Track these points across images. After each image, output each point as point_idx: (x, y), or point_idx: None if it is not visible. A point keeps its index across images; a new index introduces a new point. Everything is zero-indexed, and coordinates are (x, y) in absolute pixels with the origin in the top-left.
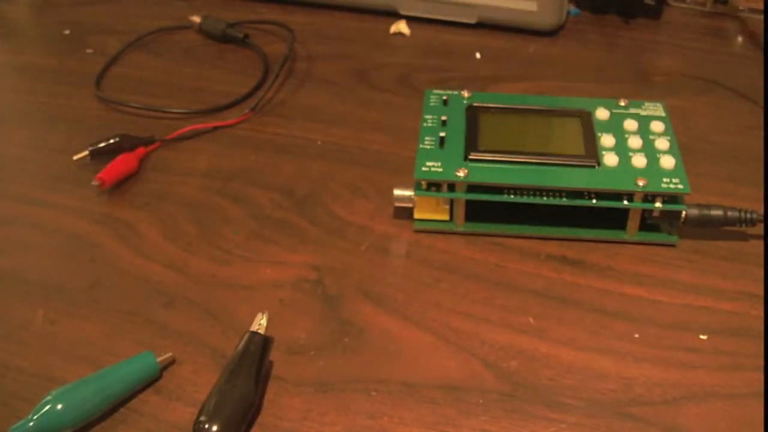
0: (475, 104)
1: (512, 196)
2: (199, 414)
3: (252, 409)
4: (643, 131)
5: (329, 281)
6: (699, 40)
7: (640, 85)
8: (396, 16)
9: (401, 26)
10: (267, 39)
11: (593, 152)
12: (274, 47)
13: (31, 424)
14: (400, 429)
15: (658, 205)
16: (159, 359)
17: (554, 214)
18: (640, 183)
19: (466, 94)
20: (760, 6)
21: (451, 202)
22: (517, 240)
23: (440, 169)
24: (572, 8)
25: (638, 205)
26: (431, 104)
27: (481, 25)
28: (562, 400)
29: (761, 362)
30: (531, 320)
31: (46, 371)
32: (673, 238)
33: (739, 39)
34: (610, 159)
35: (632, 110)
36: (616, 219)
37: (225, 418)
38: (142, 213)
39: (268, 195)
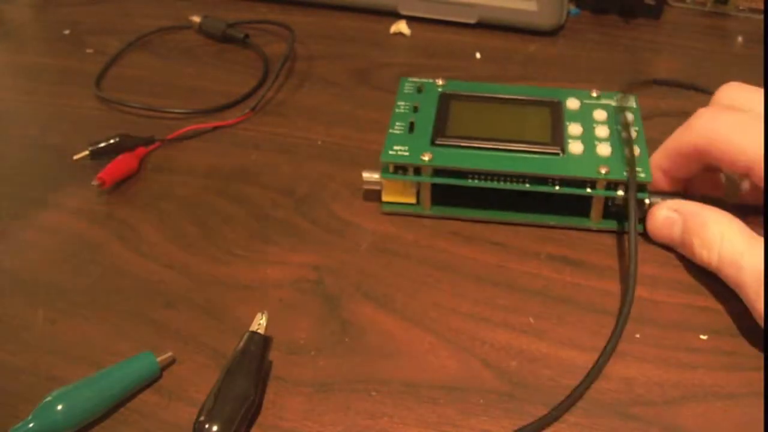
0: (448, 92)
1: (476, 181)
2: (199, 414)
3: (252, 409)
4: (612, 121)
5: (329, 281)
6: (699, 40)
7: (639, 85)
8: (396, 16)
9: (401, 26)
10: (267, 39)
11: (559, 140)
12: (274, 47)
13: (31, 425)
14: (401, 429)
15: (620, 193)
16: (159, 359)
17: (521, 201)
18: (603, 171)
19: (440, 82)
20: (760, 6)
21: (418, 186)
22: (517, 240)
23: (407, 153)
24: (572, 8)
25: (601, 192)
26: (405, 91)
27: (481, 25)
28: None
29: (761, 362)
30: (531, 320)
31: (46, 371)
32: (639, 227)
33: (739, 39)
34: (576, 147)
35: (603, 101)
36: (582, 207)
37: (225, 417)
38: (142, 213)
39: (268, 195)
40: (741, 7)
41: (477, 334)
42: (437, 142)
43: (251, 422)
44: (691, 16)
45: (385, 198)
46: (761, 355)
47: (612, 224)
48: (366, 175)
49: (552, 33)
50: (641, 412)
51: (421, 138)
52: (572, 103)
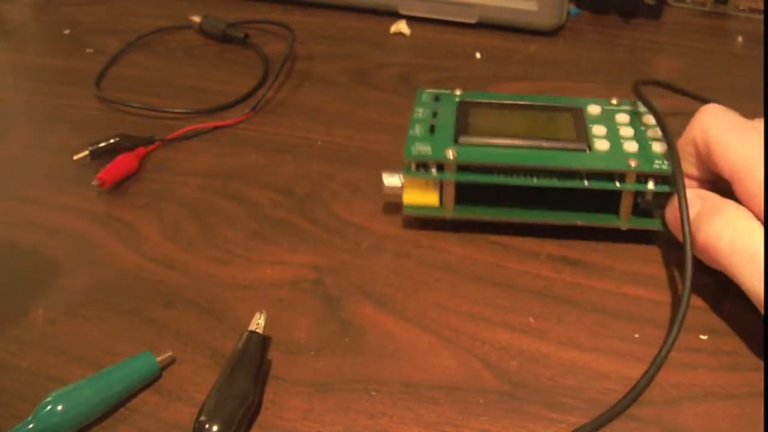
0: (466, 100)
1: (503, 177)
2: (199, 414)
3: (252, 409)
4: (635, 123)
5: (329, 281)
6: (699, 40)
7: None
8: (396, 16)
9: (401, 26)
10: (267, 39)
11: (585, 138)
12: (274, 47)
13: (31, 426)
14: (400, 429)
15: (650, 186)
16: (159, 359)
17: (545, 202)
18: (632, 164)
19: (458, 92)
20: (760, 6)
21: (441, 186)
22: (517, 240)
23: (430, 152)
24: (572, 8)
25: (631, 186)
26: (423, 100)
27: (481, 25)
28: (563, 400)
29: (761, 362)
30: (531, 320)
31: (46, 371)
32: (659, 223)
33: (739, 39)
34: (602, 144)
35: (624, 107)
36: (607, 206)
37: (225, 417)
38: (142, 213)
39: (268, 195)
40: (741, 7)
41: (477, 334)
42: (460, 141)
43: (251, 422)
44: (691, 16)
45: (406, 200)
46: (761, 355)
47: (641, 222)
48: (387, 177)
49: (552, 33)
50: (641, 412)
51: (443, 138)
52: (593, 109)
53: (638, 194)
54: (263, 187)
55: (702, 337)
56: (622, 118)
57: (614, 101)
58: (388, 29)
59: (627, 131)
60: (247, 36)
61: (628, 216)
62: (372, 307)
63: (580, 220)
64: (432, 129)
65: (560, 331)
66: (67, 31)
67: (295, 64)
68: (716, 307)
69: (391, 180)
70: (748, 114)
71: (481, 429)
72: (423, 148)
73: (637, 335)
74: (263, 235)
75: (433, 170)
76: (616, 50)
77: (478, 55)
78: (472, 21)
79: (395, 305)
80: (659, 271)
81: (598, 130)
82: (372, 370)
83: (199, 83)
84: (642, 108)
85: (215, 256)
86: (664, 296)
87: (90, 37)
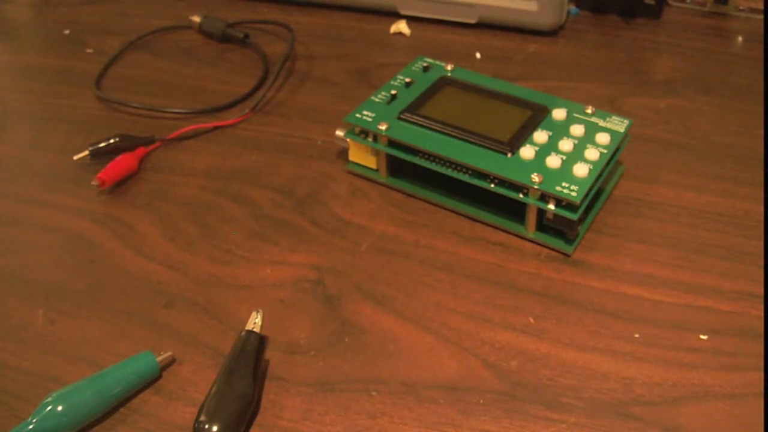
0: (449, 76)
1: (424, 161)
2: (199, 414)
3: (251, 408)
4: (583, 139)
5: (329, 281)
6: (699, 40)
7: (640, 85)
8: (396, 16)
9: (401, 26)
10: (267, 39)
11: (516, 142)
12: (274, 47)
13: (31, 426)
14: (400, 429)
15: (550, 206)
16: (159, 359)
17: (472, 194)
18: (536, 179)
19: (449, 67)
20: (760, 6)
21: (378, 153)
22: (517, 240)
23: (369, 120)
24: (572, 8)
25: (532, 201)
26: (413, 68)
27: (481, 25)
28: (563, 400)
29: (761, 362)
30: (531, 320)
31: (46, 371)
32: (569, 248)
33: (739, 39)
34: (527, 152)
35: (593, 119)
36: (522, 213)
37: (225, 417)
38: (142, 213)
39: (268, 195)
40: (741, 7)
41: (477, 334)
42: (402, 117)
43: (251, 422)
44: (691, 16)
45: (350, 157)
46: (761, 355)
47: (547, 239)
48: (340, 130)
49: (552, 33)
50: (641, 412)
51: (394, 110)
52: (558, 113)
53: (542, 210)
54: (263, 187)
55: (702, 337)
56: (576, 129)
57: (589, 110)
58: (388, 29)
59: (567, 145)
60: (247, 36)
61: (533, 228)
62: (372, 307)
63: (490, 219)
64: (393, 98)
65: (560, 331)
66: (67, 31)
67: (295, 64)
68: (716, 307)
69: (340, 133)
70: (748, 114)
71: (481, 429)
72: (365, 117)
73: (637, 335)
74: (263, 235)
75: (370, 138)
76: (616, 50)
77: (478, 55)
78: (472, 21)
79: (395, 305)
80: (659, 271)
81: (540, 136)
82: (372, 370)
83: (199, 83)
84: (609, 125)
85: (215, 256)
86: (664, 296)
87: (90, 37)
